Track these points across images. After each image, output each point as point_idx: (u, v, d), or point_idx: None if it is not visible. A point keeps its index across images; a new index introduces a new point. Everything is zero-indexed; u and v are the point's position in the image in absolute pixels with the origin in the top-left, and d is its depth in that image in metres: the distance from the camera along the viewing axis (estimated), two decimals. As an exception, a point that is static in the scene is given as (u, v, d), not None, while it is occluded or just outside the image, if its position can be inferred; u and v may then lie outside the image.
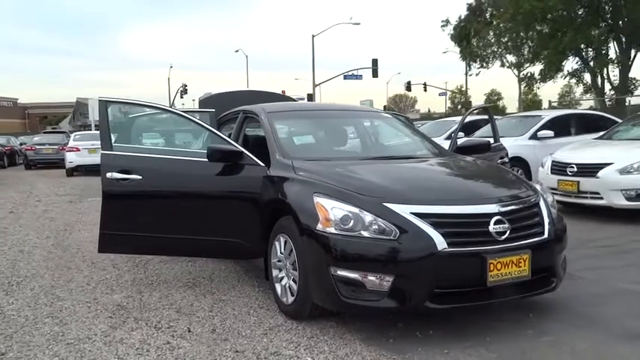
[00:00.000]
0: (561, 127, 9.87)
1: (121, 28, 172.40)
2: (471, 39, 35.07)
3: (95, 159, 17.97)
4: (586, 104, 30.30)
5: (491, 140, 5.80)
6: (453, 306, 3.23)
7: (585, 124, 10.20)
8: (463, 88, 50.76)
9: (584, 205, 7.30)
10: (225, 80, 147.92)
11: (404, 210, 3.22)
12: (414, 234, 3.14)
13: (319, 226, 3.32)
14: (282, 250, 3.76)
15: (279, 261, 3.84)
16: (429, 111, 78.24)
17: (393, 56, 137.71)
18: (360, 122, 5.16)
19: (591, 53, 21.87)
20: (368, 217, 3.22)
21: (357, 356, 3.09)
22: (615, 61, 21.41)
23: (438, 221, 3.18)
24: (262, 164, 4.16)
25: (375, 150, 4.84)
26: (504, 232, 3.26)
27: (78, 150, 18.03)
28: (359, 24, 39.94)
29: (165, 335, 3.47)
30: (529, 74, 24.89)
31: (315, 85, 39.78)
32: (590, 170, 7.11)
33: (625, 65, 21.02)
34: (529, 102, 49.70)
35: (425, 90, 49.02)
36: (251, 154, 4.20)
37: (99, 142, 4.58)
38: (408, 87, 48.42)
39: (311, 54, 40.19)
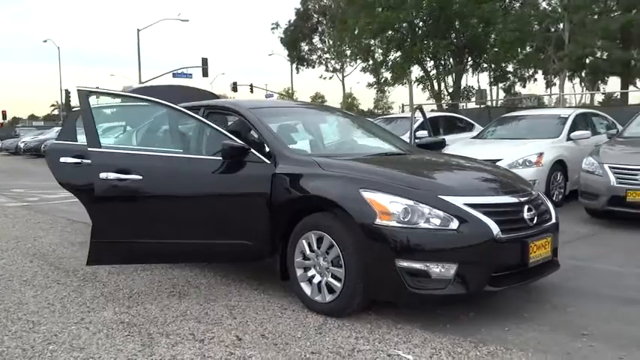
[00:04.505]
0: (433, 127, 10.92)
1: None
2: (299, 43, 36.48)
3: None
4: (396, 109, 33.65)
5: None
6: (507, 287, 3.52)
7: (450, 125, 11.49)
8: (289, 91, 52.34)
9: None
10: (33, 74, 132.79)
11: (458, 201, 3.42)
12: (473, 223, 3.36)
13: (378, 221, 3.35)
14: (314, 247, 3.69)
15: (305, 259, 3.76)
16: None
17: (221, 56, 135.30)
18: (338, 120, 5.20)
19: (432, 63, 24.70)
20: (425, 210, 3.36)
21: (433, 342, 3.20)
22: (451, 71, 24.43)
23: (488, 211, 3.45)
24: (268, 161, 4.02)
25: (372, 147, 4.88)
26: (533, 219, 3.65)
27: None
28: (187, 21, 39.08)
29: (217, 347, 3.20)
30: (383, 79, 26.98)
31: (141, 83, 37.70)
32: (484, 165, 8.02)
33: (459, 74, 24.12)
34: (349, 105, 53.15)
35: (252, 91, 49.37)
36: (256, 151, 4.02)
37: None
38: (234, 87, 48.35)
39: (136, 49, 38.17)
